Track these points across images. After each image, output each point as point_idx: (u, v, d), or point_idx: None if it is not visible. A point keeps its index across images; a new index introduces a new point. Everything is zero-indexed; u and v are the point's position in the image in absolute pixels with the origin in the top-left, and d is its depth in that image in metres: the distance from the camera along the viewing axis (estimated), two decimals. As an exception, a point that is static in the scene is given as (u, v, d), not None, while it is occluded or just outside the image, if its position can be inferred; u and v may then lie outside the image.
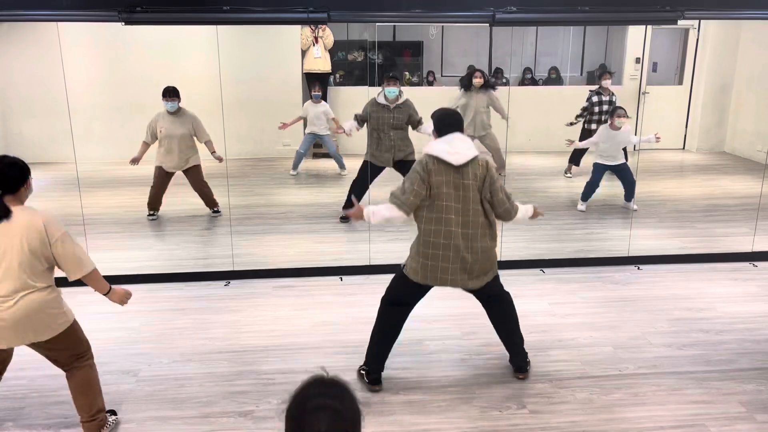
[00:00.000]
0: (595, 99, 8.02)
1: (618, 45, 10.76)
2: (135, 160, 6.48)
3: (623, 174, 6.90)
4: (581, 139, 7.88)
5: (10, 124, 8.94)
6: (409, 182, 3.47)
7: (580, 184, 7.23)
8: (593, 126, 7.93)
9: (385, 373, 3.81)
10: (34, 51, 8.63)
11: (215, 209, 6.77)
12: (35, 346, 3.10)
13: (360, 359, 3.94)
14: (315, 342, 4.21)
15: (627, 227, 6.15)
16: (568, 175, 8.43)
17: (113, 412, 3.41)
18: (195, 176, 6.60)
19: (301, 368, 3.89)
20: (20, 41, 8.72)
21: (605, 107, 7.97)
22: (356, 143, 9.42)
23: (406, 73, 10.75)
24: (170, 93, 6.33)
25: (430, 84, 10.74)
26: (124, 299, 3.30)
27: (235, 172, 8.17)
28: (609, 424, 3.37)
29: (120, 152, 8.60)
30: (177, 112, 6.41)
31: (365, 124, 6.56)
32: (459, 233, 3.45)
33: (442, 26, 10.80)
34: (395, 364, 3.92)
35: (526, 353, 3.86)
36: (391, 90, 6.33)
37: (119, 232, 6.24)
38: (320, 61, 9.38)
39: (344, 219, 6.58)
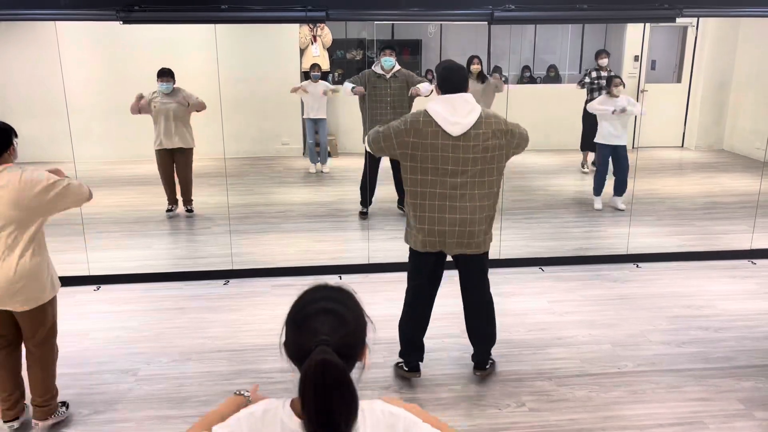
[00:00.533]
0: (594, 74, 8.07)
1: (617, 43, 10.76)
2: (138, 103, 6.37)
3: (620, 159, 6.81)
4: (586, 120, 7.90)
5: (8, 122, 8.91)
6: (389, 126, 3.35)
7: (582, 182, 7.24)
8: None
9: (383, 372, 3.82)
10: (32, 50, 8.62)
11: (189, 207, 6.71)
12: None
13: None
14: (314, 341, 4.20)
15: (626, 225, 6.15)
16: (585, 170, 8.33)
17: (65, 404, 3.41)
18: (185, 160, 6.55)
19: (301, 367, 3.88)
20: (18, 40, 8.70)
21: (603, 82, 8.03)
22: (356, 143, 9.41)
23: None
24: (165, 74, 6.33)
25: (429, 82, 10.72)
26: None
27: (234, 171, 8.17)
28: (608, 422, 3.37)
29: (118, 152, 8.61)
30: (171, 93, 6.40)
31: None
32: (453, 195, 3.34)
33: (441, 24, 10.79)
34: (394, 363, 3.92)
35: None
36: (388, 59, 6.30)
37: (118, 232, 6.24)
38: (318, 60, 9.36)
39: (363, 215, 6.58)
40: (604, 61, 8.12)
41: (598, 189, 6.93)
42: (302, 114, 8.59)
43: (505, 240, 5.60)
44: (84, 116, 8.19)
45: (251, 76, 9.04)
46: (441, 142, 3.25)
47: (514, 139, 3.37)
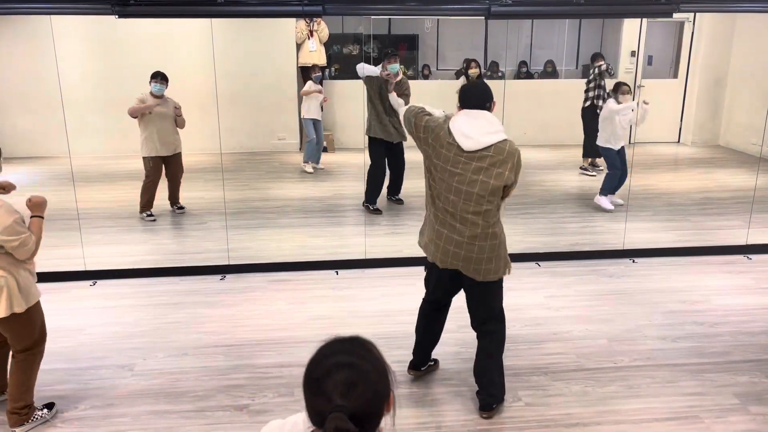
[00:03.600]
0: (597, 72, 8.06)
1: (613, 38, 10.76)
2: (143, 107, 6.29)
3: (623, 158, 6.80)
4: (588, 125, 7.90)
5: (3, 118, 8.88)
6: (427, 116, 3.30)
7: (580, 179, 7.23)
8: (600, 102, 7.91)
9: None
10: (28, 44, 8.58)
11: (180, 205, 6.69)
12: None
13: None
14: (310, 336, 4.21)
15: (622, 220, 6.16)
16: (593, 173, 8.17)
17: (50, 407, 3.38)
18: (177, 164, 6.52)
19: (297, 362, 3.89)
20: (13, 34, 8.66)
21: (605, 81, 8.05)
22: (350, 139, 9.41)
23: (402, 66, 10.72)
24: (161, 76, 6.27)
25: (426, 77, 10.73)
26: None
27: (230, 166, 8.15)
28: (604, 416, 3.38)
29: (114, 146, 8.59)
30: (162, 97, 6.35)
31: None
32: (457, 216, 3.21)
33: (438, 19, 10.78)
34: (391, 358, 3.91)
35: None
36: (394, 66, 6.36)
37: (114, 227, 6.23)
38: (315, 55, 9.35)
39: (377, 210, 6.64)
40: (602, 63, 8.16)
41: (613, 189, 6.84)
42: (301, 114, 8.53)
43: (501, 235, 5.61)
44: (79, 111, 8.17)
45: (247, 71, 9.03)
46: (453, 155, 3.15)
47: (514, 186, 3.25)
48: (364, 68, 6.44)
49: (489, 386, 3.40)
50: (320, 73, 8.32)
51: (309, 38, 9.31)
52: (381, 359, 1.39)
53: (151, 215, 6.45)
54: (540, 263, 5.43)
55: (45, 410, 3.34)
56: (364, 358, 1.36)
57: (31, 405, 3.27)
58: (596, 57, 8.34)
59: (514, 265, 5.40)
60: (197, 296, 4.84)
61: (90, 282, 5.05)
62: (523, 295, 4.79)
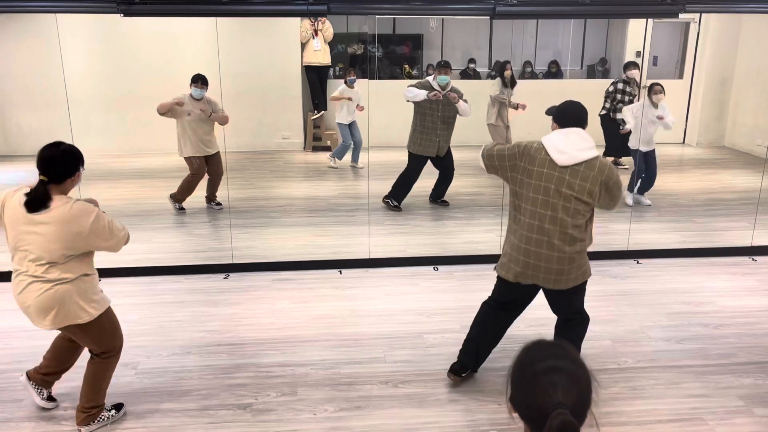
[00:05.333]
0: (620, 86, 8.01)
1: (618, 38, 10.73)
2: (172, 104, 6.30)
3: (650, 162, 6.78)
4: (607, 130, 7.87)
5: (8, 115, 8.91)
6: (504, 147, 3.37)
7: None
8: (618, 115, 7.88)
9: (383, 367, 3.82)
10: (33, 42, 8.59)
11: (217, 202, 6.75)
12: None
13: (359, 351, 3.95)
14: (314, 335, 4.21)
15: (626, 221, 6.15)
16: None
17: (118, 407, 3.39)
18: (217, 163, 6.58)
19: (300, 361, 3.89)
20: (19, 32, 8.68)
21: (627, 98, 7.95)
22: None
23: (406, 66, 10.72)
24: (200, 80, 6.30)
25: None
26: None
27: (235, 165, 8.16)
28: (607, 418, 3.37)
29: (119, 145, 8.61)
30: (201, 100, 6.39)
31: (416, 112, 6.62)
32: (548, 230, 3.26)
33: (442, 19, 10.76)
34: (394, 358, 3.92)
35: None
36: (443, 77, 6.43)
37: (118, 225, 6.23)
38: (320, 54, 9.35)
39: (396, 207, 6.70)
40: (634, 73, 8.03)
41: (633, 188, 6.85)
42: (335, 119, 8.43)
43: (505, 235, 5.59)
44: (84, 108, 8.19)
45: (252, 70, 9.03)
46: (546, 170, 3.22)
47: (608, 195, 3.28)
48: (416, 95, 6.44)
49: None
50: (354, 77, 8.22)
51: (313, 37, 9.31)
52: (591, 371, 1.48)
53: (182, 208, 6.61)
54: (544, 264, 5.41)
55: (113, 411, 3.34)
56: (576, 363, 1.44)
57: (101, 406, 3.28)
58: (629, 66, 8.11)
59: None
60: (201, 295, 4.84)
61: (94, 280, 5.05)
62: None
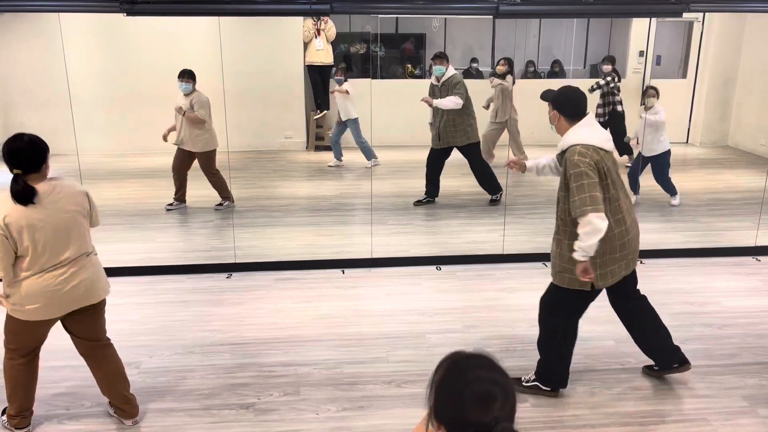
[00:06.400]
0: (609, 79, 8.04)
1: (621, 38, 10.70)
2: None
3: (655, 168, 6.77)
4: (611, 125, 7.86)
5: (11, 115, 8.92)
6: (585, 186, 3.11)
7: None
8: (597, 110, 7.88)
9: (386, 367, 3.82)
10: (36, 42, 8.60)
11: (224, 202, 6.72)
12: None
13: (361, 351, 3.95)
14: (316, 335, 4.20)
15: (629, 221, 6.12)
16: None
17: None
18: (203, 162, 6.58)
19: (303, 361, 3.88)
20: (22, 32, 8.68)
21: (615, 91, 8.00)
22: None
23: (409, 65, 10.71)
24: (185, 75, 6.36)
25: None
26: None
27: (237, 164, 8.15)
28: (611, 418, 3.36)
29: (122, 144, 8.61)
30: (190, 94, 6.40)
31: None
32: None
33: (445, 18, 10.75)
34: (396, 357, 3.92)
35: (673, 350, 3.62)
36: (438, 68, 6.49)
37: (121, 224, 6.24)
38: (322, 54, 9.34)
39: (422, 202, 6.77)
40: (607, 68, 8.14)
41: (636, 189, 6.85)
42: (347, 116, 8.40)
43: (508, 235, 5.59)
44: (87, 108, 8.18)
45: (254, 70, 9.02)
46: (611, 163, 3.28)
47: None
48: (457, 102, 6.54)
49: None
50: (342, 76, 8.22)
51: (316, 37, 9.30)
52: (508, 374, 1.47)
53: (171, 205, 6.65)
54: (547, 263, 5.39)
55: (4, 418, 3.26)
56: (502, 373, 1.45)
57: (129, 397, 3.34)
58: (605, 61, 8.24)
59: (520, 265, 5.42)
60: (203, 294, 4.84)
61: (97, 279, 5.06)
62: (531, 296, 4.75)
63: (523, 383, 3.55)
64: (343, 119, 8.22)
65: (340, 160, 8.46)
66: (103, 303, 3.21)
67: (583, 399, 3.53)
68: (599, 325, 4.34)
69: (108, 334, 4.11)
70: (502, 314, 4.52)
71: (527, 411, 3.42)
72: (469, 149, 6.66)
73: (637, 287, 3.64)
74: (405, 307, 4.59)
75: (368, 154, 8.22)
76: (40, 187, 2.95)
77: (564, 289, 3.38)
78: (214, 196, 6.80)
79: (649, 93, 6.70)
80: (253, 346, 4.07)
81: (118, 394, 3.26)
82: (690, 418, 3.37)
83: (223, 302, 4.71)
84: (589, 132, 3.25)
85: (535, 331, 4.21)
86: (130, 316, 4.47)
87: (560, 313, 3.48)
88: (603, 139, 3.27)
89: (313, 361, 3.88)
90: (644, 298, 3.65)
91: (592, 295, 3.42)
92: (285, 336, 4.19)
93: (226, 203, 6.71)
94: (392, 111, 8.06)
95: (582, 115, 3.30)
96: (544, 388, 3.54)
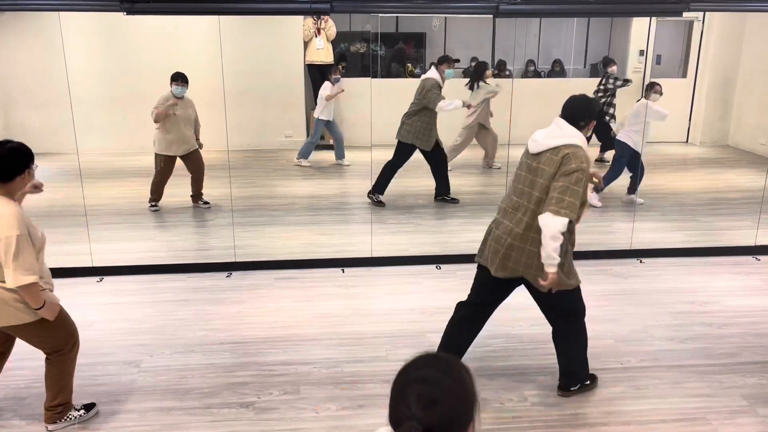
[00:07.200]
0: (618, 82, 8.08)
1: (622, 37, 10.70)
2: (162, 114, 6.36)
3: (639, 160, 6.75)
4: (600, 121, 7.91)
5: (11, 114, 8.92)
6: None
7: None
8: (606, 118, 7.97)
9: (385, 366, 3.82)
10: (36, 41, 8.60)
11: (204, 201, 6.71)
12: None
13: (361, 350, 3.95)
14: (316, 333, 4.21)
15: (629, 220, 6.13)
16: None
17: (88, 407, 3.36)
18: (197, 160, 6.58)
19: (303, 359, 3.89)
20: (21, 31, 8.69)
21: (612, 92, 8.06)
22: (359, 135, 9.38)
23: (409, 65, 10.71)
24: (182, 78, 6.34)
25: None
26: (54, 314, 3.10)
27: (237, 163, 8.15)
28: (610, 417, 3.36)
29: (122, 143, 8.61)
30: (182, 98, 6.41)
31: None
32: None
33: (445, 17, 10.75)
34: (396, 356, 3.92)
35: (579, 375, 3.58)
36: (449, 72, 6.73)
37: (121, 223, 6.24)
38: (322, 53, 9.34)
39: (452, 200, 6.91)
40: (613, 69, 8.28)
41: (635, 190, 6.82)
42: (320, 115, 8.44)
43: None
44: (87, 107, 8.19)
45: (255, 69, 9.02)
46: (524, 159, 3.35)
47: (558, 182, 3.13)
48: (456, 105, 6.79)
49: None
50: (338, 76, 8.30)
51: (316, 36, 9.30)
52: (468, 387, 1.39)
53: (155, 206, 6.57)
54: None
55: (82, 411, 3.32)
56: (449, 383, 1.37)
57: (66, 404, 3.26)
58: (608, 62, 8.29)
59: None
60: (204, 293, 4.84)
61: (97, 278, 5.06)
62: (530, 295, 4.77)
63: (572, 389, 3.56)
64: (315, 115, 8.34)
65: (343, 157, 8.51)
66: (20, 328, 3.03)
67: (582, 397, 3.53)
68: (599, 325, 4.34)
69: (108, 333, 4.12)
70: (502, 313, 4.50)
71: (527, 410, 3.43)
72: (408, 149, 6.82)
73: (499, 304, 3.66)
74: (405, 306, 4.59)
75: (305, 153, 8.43)
76: None
77: (561, 291, 3.42)
78: (214, 195, 6.81)
79: (656, 89, 6.68)
80: (253, 345, 4.07)
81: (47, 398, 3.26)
82: (690, 417, 3.37)
83: (223, 301, 4.71)
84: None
85: (535, 330, 4.22)
86: (131, 315, 4.47)
87: (572, 313, 3.53)
88: (533, 137, 3.34)
89: (313, 360, 3.89)
90: (489, 316, 3.69)
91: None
92: (285, 335, 4.20)
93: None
94: (392, 110, 8.03)
95: (561, 116, 3.34)
96: (588, 383, 3.60)
